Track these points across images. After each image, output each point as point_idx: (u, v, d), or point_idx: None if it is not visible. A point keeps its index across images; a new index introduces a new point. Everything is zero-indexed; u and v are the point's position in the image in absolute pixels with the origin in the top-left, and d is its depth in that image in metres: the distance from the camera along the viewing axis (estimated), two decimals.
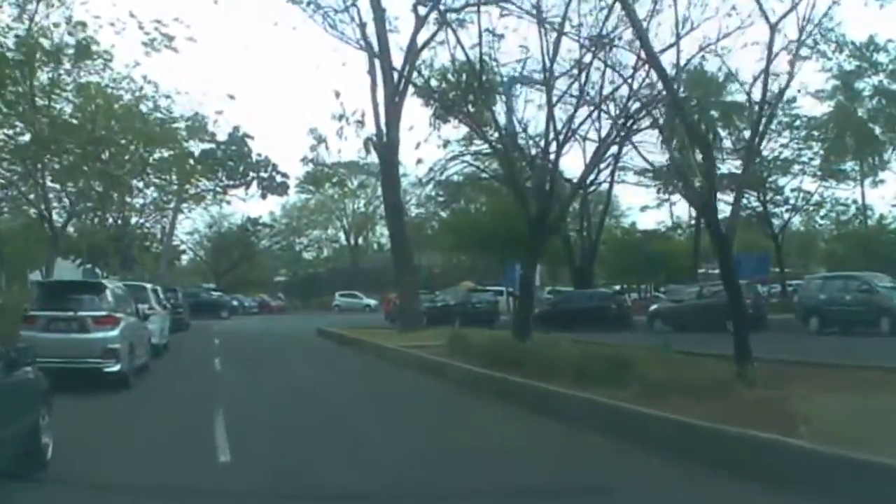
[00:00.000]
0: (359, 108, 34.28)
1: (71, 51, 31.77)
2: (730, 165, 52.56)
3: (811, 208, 59.53)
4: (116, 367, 15.92)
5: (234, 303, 65.15)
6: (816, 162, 52.93)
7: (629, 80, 18.39)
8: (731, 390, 12.22)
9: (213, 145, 69.08)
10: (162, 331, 24.98)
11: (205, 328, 40.55)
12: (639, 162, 53.85)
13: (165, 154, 42.39)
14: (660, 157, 49.91)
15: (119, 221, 51.69)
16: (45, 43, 31.09)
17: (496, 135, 23.98)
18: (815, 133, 50.99)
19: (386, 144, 32.60)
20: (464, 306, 42.58)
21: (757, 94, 16.33)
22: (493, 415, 13.57)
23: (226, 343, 31.66)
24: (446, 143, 35.66)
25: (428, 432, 11.90)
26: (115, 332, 16.05)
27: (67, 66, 32.81)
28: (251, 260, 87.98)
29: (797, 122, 49.59)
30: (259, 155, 75.21)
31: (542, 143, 22.62)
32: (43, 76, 32.45)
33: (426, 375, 19.00)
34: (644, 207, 76.31)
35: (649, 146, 45.82)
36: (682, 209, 72.98)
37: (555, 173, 22.97)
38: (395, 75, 31.79)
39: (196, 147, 61.26)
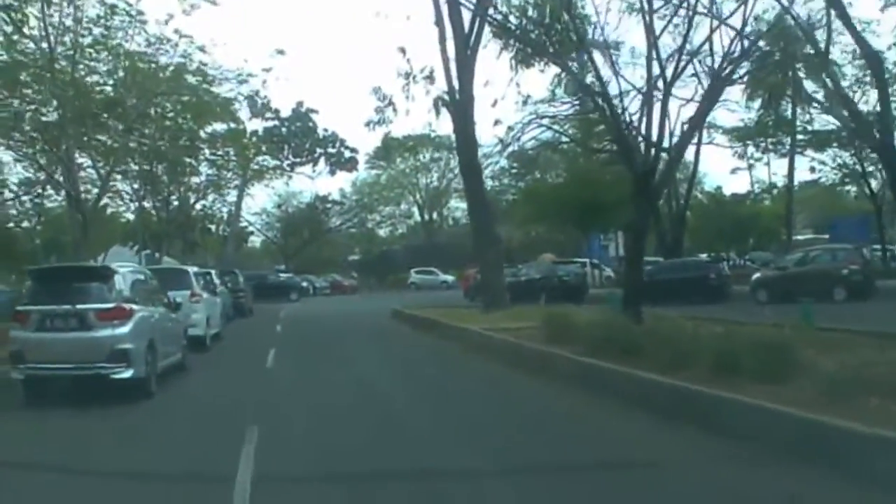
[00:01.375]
0: (427, 66, 30.53)
1: None
2: (823, 120, 48.70)
3: None
4: (128, 373, 12.52)
5: (304, 284, 62.00)
6: None
7: None
8: None
9: (276, 122, 66.76)
10: (209, 320, 21.65)
11: (270, 313, 37.45)
12: (726, 121, 50.49)
13: (218, 128, 39.02)
14: (745, 115, 46.64)
15: (177, 202, 48.94)
16: None
17: (592, 80, 20.06)
18: None
19: (459, 102, 28.87)
20: (549, 280, 39.19)
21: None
22: (641, 435, 9.76)
23: (288, 330, 28.41)
24: (526, 101, 31.82)
25: (550, 480, 7.99)
26: (125, 329, 12.63)
27: (94, 29, 29.63)
28: (322, 239, 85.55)
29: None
30: (325, 130, 72.86)
31: (644, 88, 19.02)
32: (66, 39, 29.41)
33: (522, 370, 15.03)
34: (735, 169, 71.25)
35: (731, 104, 42.44)
36: (763, 172, 68.89)
37: (663, 119, 19.20)
38: (467, 21, 28.05)
39: (259, 126, 58.84)
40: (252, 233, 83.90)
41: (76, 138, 29.98)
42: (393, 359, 18.84)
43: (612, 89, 20.07)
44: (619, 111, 19.13)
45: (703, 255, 56.14)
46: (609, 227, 54.59)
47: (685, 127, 19.83)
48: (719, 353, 11.25)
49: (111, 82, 31.24)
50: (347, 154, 74.84)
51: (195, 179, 48.33)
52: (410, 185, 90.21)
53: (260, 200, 76.38)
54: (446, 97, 29.72)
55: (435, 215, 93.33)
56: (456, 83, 29.02)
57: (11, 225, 43.72)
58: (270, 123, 68.26)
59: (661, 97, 19.23)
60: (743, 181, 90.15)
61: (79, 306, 12.55)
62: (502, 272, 30.52)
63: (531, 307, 28.51)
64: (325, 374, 15.94)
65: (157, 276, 18.98)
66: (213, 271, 31.19)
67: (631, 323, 16.14)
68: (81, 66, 30.11)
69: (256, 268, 64.60)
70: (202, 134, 38.25)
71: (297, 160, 71.84)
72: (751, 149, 62.18)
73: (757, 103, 45.14)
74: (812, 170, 57.37)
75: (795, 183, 60.66)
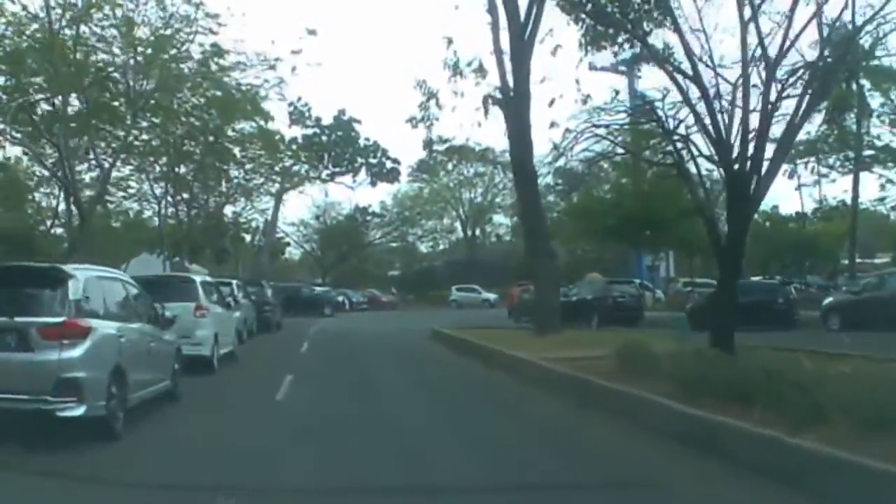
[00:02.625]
0: (476, 58, 27.61)
1: None
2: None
3: None
4: (79, 410, 9.38)
5: (340, 298, 59.47)
6: None
7: None
8: None
9: (316, 130, 64.59)
10: (217, 337, 18.53)
11: (299, 328, 34.57)
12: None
13: (247, 126, 36.11)
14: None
15: (203, 207, 46.19)
16: None
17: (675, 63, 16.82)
18: None
19: (513, 99, 25.78)
20: (603, 301, 35.79)
21: None
22: None
23: (314, 350, 25.32)
24: (586, 100, 28.91)
25: None
26: (76, 351, 9.50)
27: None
28: (362, 252, 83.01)
29: None
30: (367, 139, 70.44)
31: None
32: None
33: (597, 416, 11.70)
34: (799, 186, 67.40)
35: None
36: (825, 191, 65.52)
37: (765, 112, 15.89)
38: (524, 7, 25.06)
39: (298, 133, 56.30)
40: (288, 244, 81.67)
41: (82, 129, 27.23)
42: (432, 394, 15.39)
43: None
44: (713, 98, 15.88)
45: (755, 278, 53.38)
46: (662, 246, 51.50)
47: (795, 121, 16.46)
48: (865, 404, 8.23)
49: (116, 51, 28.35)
50: (389, 165, 72.43)
51: (224, 183, 45.46)
52: (453, 200, 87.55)
53: (296, 210, 74.18)
54: (498, 94, 26.73)
55: (478, 231, 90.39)
56: (510, 79, 26.01)
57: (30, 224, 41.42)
58: (310, 131, 66.25)
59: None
60: (795, 200, 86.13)
61: (17, 319, 9.50)
62: (558, 291, 27.23)
63: (586, 331, 25.52)
64: (344, 412, 12.53)
65: (157, 285, 16.34)
66: (234, 282, 28.36)
67: (724, 357, 13.03)
68: (88, 46, 27.39)
69: (294, 280, 62.31)
70: (229, 132, 35.35)
71: (337, 170, 69.43)
72: (804, 166, 59.34)
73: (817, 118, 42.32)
74: (882, 187, 54.30)
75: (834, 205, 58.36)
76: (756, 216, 58.81)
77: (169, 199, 43.18)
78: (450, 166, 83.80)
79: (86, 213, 28.48)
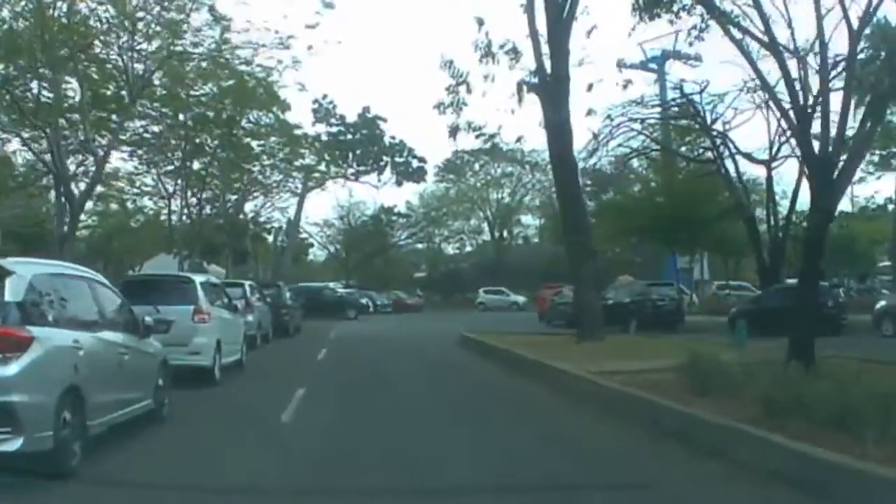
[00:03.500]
0: (509, 40, 25.62)
1: None
2: None
3: None
4: (15, 444, 7.23)
5: (364, 301, 57.61)
6: None
7: None
8: None
9: (340, 128, 62.88)
10: (220, 345, 16.29)
11: (320, 332, 32.77)
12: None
13: (264, 118, 34.07)
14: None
15: (218, 204, 44.22)
16: None
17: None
18: None
19: (550, 83, 23.59)
20: (642, 305, 34.00)
21: None
22: None
23: (332, 357, 23.24)
24: (626, 85, 26.99)
25: None
26: (11, 369, 7.33)
27: None
28: (387, 254, 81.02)
29: None
30: (393, 138, 68.60)
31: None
32: None
33: (667, 448, 9.43)
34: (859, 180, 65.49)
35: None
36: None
37: (847, 96, 13.64)
38: None
39: (322, 131, 54.41)
40: (312, 245, 79.88)
41: (82, 119, 25.28)
42: (464, 415, 12.79)
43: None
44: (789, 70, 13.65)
45: (789, 280, 51.08)
46: (696, 247, 49.33)
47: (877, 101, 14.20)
48: None
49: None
50: (415, 164, 70.53)
51: (244, 178, 43.42)
52: (480, 200, 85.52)
53: (320, 210, 72.79)
54: (533, 80, 24.63)
55: (505, 233, 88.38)
56: (547, 62, 23.85)
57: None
58: (334, 129, 64.61)
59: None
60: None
61: None
62: (599, 293, 25.09)
63: (626, 337, 23.81)
64: (361, 439, 10.19)
65: (152, 286, 14.64)
66: (247, 283, 26.39)
67: (820, 376, 10.98)
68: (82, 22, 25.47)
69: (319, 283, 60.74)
70: (245, 123, 33.32)
71: (362, 168, 67.64)
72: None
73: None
74: None
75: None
76: (794, 216, 57.14)
77: (181, 195, 41.18)
78: (477, 166, 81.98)
79: (76, 206, 26.43)
